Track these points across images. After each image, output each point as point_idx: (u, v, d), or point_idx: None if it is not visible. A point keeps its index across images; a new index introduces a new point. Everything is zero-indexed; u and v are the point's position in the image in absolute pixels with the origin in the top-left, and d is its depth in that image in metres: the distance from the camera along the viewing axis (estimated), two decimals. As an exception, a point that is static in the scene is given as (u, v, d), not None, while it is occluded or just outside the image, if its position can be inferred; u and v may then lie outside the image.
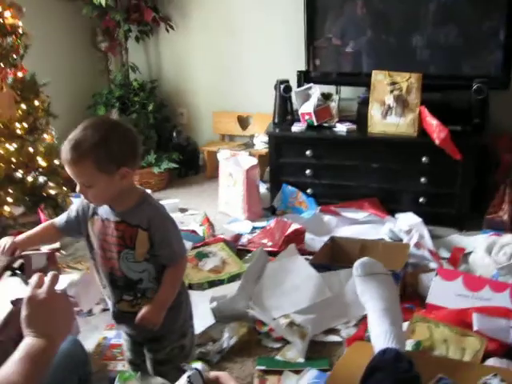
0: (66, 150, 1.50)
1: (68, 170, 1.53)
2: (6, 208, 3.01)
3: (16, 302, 1.59)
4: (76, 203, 1.73)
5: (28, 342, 1.14)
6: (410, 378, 1.42)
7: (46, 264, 1.84)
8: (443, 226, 3.45)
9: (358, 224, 3.51)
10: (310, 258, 2.96)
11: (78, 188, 1.56)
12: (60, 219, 1.75)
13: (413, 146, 3.45)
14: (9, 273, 1.70)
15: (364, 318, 2.51)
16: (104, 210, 1.64)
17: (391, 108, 3.51)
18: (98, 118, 1.69)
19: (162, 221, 1.60)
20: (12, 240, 1.71)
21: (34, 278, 1.23)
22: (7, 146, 3.01)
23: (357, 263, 1.84)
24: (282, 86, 3.87)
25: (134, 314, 1.63)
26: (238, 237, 3.45)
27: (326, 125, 3.79)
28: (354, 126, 3.71)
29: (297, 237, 3.25)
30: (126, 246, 1.60)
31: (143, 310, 1.61)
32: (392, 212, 3.55)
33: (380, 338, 1.59)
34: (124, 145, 1.55)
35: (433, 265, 2.94)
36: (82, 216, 1.70)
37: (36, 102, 3.21)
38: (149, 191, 1.75)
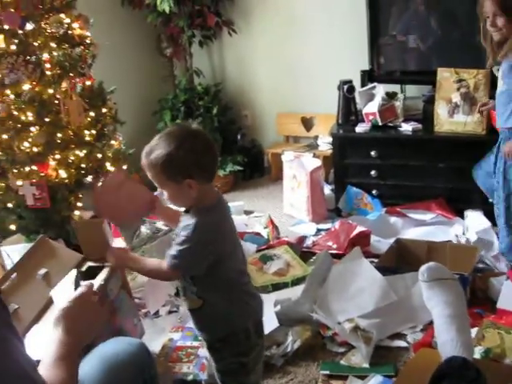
0: (142, 154, 1.61)
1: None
2: (76, 212, 3.10)
3: None
4: None
5: (60, 338, 1.23)
6: (477, 386, 1.37)
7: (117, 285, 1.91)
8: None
9: (425, 225, 3.43)
10: (376, 260, 2.93)
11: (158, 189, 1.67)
12: None
13: (481, 144, 3.33)
14: (76, 275, 1.76)
15: (431, 323, 2.46)
16: None
17: (458, 106, 3.42)
18: (176, 127, 1.72)
19: (188, 230, 1.61)
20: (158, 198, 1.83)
21: (86, 283, 1.28)
22: (77, 152, 3.10)
23: (423, 268, 1.80)
24: (346, 87, 3.84)
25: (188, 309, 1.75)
26: (302, 239, 3.45)
27: (390, 124, 3.72)
28: (419, 125, 3.63)
29: (362, 239, 3.21)
30: None
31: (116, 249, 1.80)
32: (460, 212, 3.45)
33: (446, 345, 1.54)
34: (190, 158, 1.58)
35: (503, 267, 2.85)
36: None
37: (104, 110, 3.30)
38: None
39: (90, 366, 1.41)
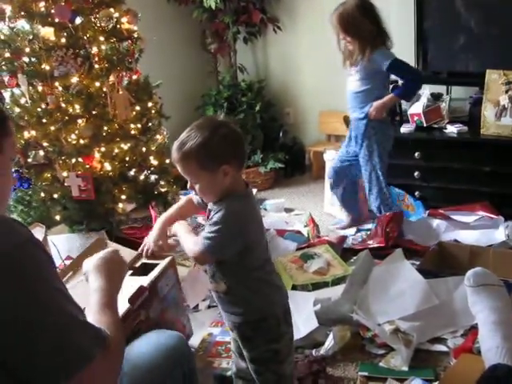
0: (173, 149, 1.63)
1: (177, 168, 1.66)
2: (120, 205, 3.14)
3: (132, 300, 1.66)
4: None
5: (102, 286, 1.34)
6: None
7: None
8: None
9: (469, 229, 3.37)
10: (417, 263, 2.89)
11: (188, 184, 1.68)
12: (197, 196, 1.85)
13: (528, 148, 3.27)
14: (130, 271, 1.78)
15: (472, 329, 2.43)
16: None
17: (506, 109, 3.35)
18: (203, 119, 1.74)
19: (221, 215, 1.62)
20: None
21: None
22: (122, 145, 3.14)
23: (469, 273, 1.77)
24: (391, 87, 3.79)
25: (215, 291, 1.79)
26: (343, 239, 3.43)
27: (435, 126, 3.68)
28: (465, 128, 3.58)
29: (396, 220, 3.29)
30: None
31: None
32: (505, 217, 3.38)
33: (491, 352, 1.51)
34: (225, 144, 1.61)
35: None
36: None
37: (149, 104, 3.32)
38: (254, 190, 1.79)
39: (134, 353, 1.44)
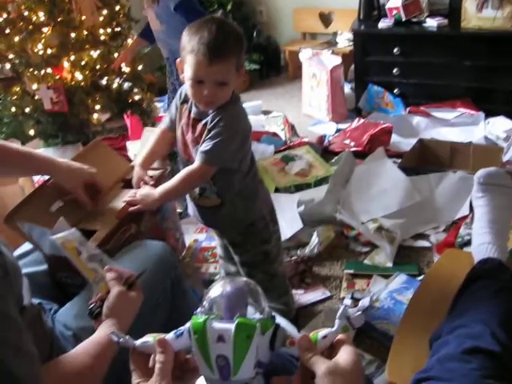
0: (207, 51, 1.43)
1: (205, 71, 1.46)
2: (94, 115, 3.06)
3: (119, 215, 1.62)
4: (173, 101, 1.71)
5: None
6: (513, 288, 1.37)
7: None
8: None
9: (449, 126, 3.36)
10: (398, 160, 2.90)
11: (207, 91, 1.48)
12: (165, 122, 1.74)
13: (510, 41, 3.19)
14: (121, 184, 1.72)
15: (454, 224, 2.47)
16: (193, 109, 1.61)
17: (487, 0, 3.24)
18: (220, 19, 1.58)
19: (224, 123, 1.52)
20: (138, 168, 1.72)
21: (111, 276, 1.22)
22: (92, 52, 3.01)
23: (481, 172, 1.71)
24: (368, -22, 3.66)
25: (200, 207, 1.72)
26: (322, 139, 3.41)
27: (415, 20, 3.57)
28: (445, 21, 3.48)
29: (383, 136, 3.18)
30: (197, 143, 1.59)
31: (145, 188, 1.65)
32: (486, 113, 3.36)
33: (482, 247, 1.53)
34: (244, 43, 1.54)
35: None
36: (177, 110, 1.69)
37: (117, 7, 3.17)
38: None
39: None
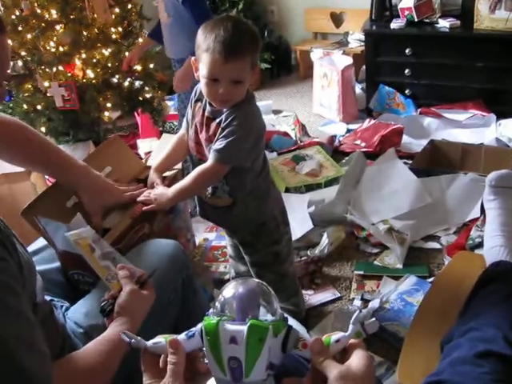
0: (222, 49, 1.42)
1: (220, 69, 1.45)
2: (105, 113, 3.07)
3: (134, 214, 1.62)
4: (189, 104, 1.70)
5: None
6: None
7: None
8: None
9: (460, 128, 3.34)
10: (408, 162, 2.89)
11: (222, 89, 1.47)
12: (183, 127, 1.74)
13: (523, 43, 3.18)
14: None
15: (464, 226, 2.46)
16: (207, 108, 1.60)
17: (500, 1, 3.23)
18: (235, 17, 1.59)
19: (238, 122, 1.51)
20: (153, 172, 1.71)
21: (123, 273, 1.22)
22: (103, 51, 3.02)
23: (493, 175, 1.71)
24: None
25: (212, 206, 1.71)
26: (332, 139, 3.40)
27: (427, 20, 3.56)
28: (457, 22, 3.46)
29: (394, 137, 3.16)
30: (211, 141, 1.58)
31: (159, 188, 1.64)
32: (497, 115, 3.34)
33: (494, 249, 1.52)
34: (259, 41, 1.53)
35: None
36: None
37: (129, 5, 3.17)
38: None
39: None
